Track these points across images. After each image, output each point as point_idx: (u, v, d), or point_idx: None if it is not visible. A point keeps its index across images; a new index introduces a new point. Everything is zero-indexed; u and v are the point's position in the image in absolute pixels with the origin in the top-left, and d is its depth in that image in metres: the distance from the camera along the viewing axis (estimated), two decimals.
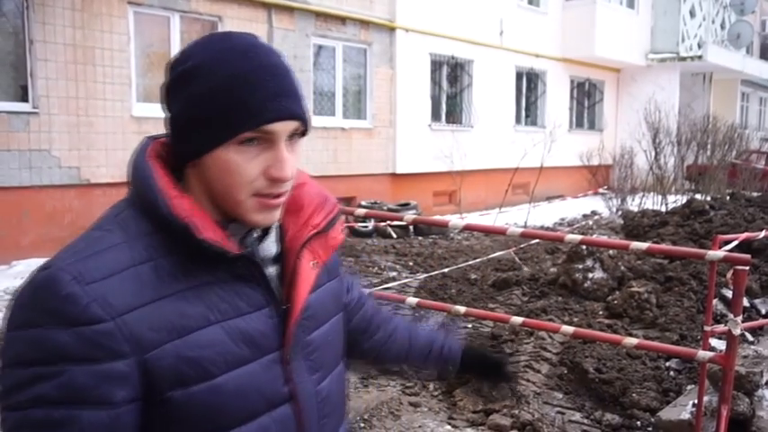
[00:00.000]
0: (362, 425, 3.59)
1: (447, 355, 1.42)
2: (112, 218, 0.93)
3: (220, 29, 8.75)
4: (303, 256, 1.01)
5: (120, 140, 7.74)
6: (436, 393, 3.97)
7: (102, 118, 7.60)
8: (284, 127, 0.91)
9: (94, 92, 7.52)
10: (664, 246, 5.99)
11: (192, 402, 0.87)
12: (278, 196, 0.94)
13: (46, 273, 0.84)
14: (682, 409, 3.36)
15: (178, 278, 0.88)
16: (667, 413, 3.42)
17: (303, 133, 0.97)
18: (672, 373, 4.13)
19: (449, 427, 3.57)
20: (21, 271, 6.72)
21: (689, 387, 3.85)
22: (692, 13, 17.40)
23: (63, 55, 7.22)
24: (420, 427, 3.57)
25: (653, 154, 12.28)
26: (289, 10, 9.54)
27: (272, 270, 1.00)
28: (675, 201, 11.02)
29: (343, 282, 1.21)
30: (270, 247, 1.01)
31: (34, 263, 7.06)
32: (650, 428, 3.52)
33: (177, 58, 0.95)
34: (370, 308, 1.35)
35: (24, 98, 7.08)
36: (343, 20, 10.33)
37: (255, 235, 0.99)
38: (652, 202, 11.48)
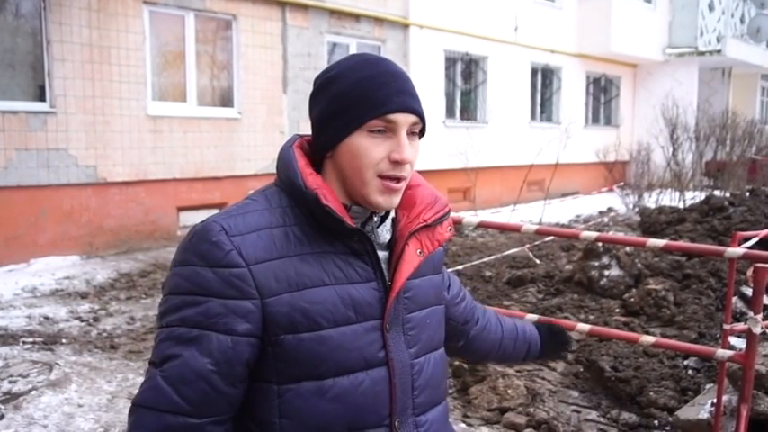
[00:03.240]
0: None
1: (530, 336, 1.61)
2: (261, 191, 1.15)
3: (234, 27, 8.78)
4: (410, 243, 1.17)
5: (135, 139, 7.79)
6: (451, 391, 3.95)
7: (118, 117, 7.66)
8: (405, 119, 1.10)
9: (110, 91, 7.58)
10: (682, 243, 5.92)
11: (300, 347, 1.06)
12: (399, 180, 1.12)
13: (203, 224, 1.07)
14: (700, 409, 3.31)
15: (303, 244, 1.08)
16: (685, 412, 3.38)
17: (422, 133, 1.16)
18: (690, 371, 4.07)
19: (463, 425, 3.55)
20: (39, 269, 6.80)
21: (707, 386, 3.79)
22: (711, 7, 17.17)
23: (80, 54, 7.28)
24: None
25: (670, 150, 12.15)
26: (303, 8, 9.54)
27: (383, 253, 1.17)
28: (693, 197, 10.89)
29: (445, 279, 1.38)
30: (384, 233, 1.18)
31: (52, 261, 7.14)
32: (668, 428, 3.47)
33: (322, 72, 1.17)
34: (470, 301, 1.52)
35: (42, 98, 7.14)
36: (357, 17, 10.32)
37: (375, 219, 1.16)
38: (669, 199, 11.35)
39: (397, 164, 1.09)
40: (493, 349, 1.55)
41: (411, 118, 1.11)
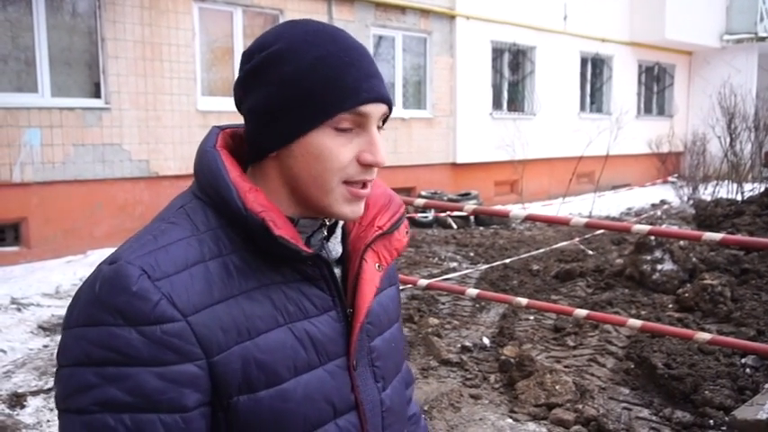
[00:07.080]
0: (422, 416, 3.57)
1: None
2: (177, 209, 0.88)
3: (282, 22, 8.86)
4: (368, 257, 0.96)
5: (186, 134, 7.97)
6: (497, 386, 3.92)
7: (169, 112, 7.85)
8: (377, 110, 0.89)
9: (162, 87, 7.77)
10: (740, 236, 5.71)
11: (258, 408, 0.84)
12: (365, 185, 0.91)
13: (114, 267, 0.80)
14: (759, 409, 3.19)
15: (247, 276, 0.85)
16: (743, 412, 3.26)
17: (385, 121, 0.94)
18: (748, 370, 3.93)
19: (510, 420, 3.52)
20: (95, 260, 7.04)
21: (767, 385, 3.65)
22: None
23: (132, 52, 7.48)
24: (481, 419, 3.53)
25: (728, 140, 11.70)
26: (349, 1, 9.56)
27: (336, 272, 0.94)
28: (752, 189, 10.48)
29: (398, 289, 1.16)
30: (335, 247, 0.97)
31: (108, 252, 7.33)
32: (724, 428, 3.36)
33: (257, 45, 0.89)
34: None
35: (97, 94, 7.37)
36: (402, 9, 10.28)
37: (324, 233, 0.95)
38: (726, 191, 10.95)
39: (369, 167, 0.89)
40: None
41: (382, 108, 0.90)
